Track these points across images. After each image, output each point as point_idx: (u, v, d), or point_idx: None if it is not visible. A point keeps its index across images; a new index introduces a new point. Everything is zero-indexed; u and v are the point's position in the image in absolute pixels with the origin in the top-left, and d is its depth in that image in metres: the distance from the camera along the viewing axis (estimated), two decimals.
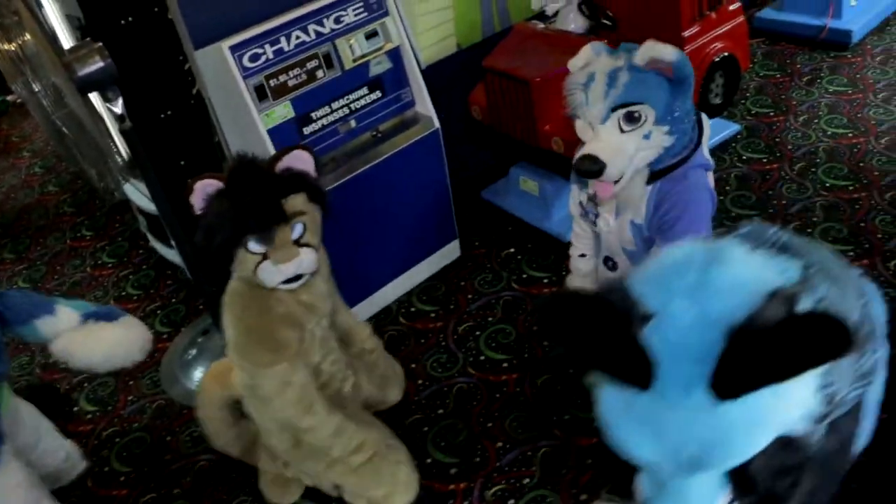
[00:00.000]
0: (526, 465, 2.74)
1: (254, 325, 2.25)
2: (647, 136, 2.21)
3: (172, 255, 3.63)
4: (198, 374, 3.28)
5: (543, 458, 2.76)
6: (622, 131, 2.21)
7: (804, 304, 1.40)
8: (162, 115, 3.02)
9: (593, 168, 2.23)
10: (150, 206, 3.45)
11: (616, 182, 2.29)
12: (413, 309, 3.53)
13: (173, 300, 3.86)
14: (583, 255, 2.77)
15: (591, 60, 2.28)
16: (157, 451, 3.08)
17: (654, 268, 1.51)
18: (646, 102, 2.17)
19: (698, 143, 2.36)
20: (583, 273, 2.80)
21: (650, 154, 2.26)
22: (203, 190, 2.10)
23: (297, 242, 2.16)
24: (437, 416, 2.98)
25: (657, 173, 2.32)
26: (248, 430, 2.68)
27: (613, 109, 2.19)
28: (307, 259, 2.17)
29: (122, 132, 2.71)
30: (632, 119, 2.19)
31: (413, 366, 3.22)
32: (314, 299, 2.33)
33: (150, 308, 3.84)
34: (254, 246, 2.11)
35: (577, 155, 2.28)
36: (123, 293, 3.99)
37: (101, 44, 2.52)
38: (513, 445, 2.82)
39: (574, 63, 2.32)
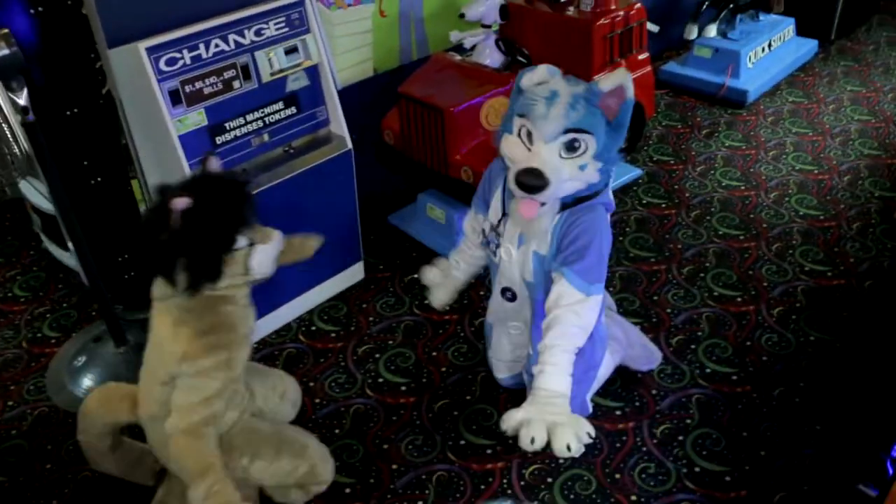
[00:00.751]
0: (420, 488, 2.75)
1: (222, 338, 2.25)
2: (582, 168, 2.25)
3: (67, 257, 3.50)
4: (87, 381, 3.15)
5: (438, 481, 2.77)
6: (560, 157, 2.24)
7: None
8: (68, 112, 2.94)
9: (537, 183, 2.23)
10: (46, 205, 3.33)
11: (543, 204, 2.32)
12: (314, 328, 3.50)
13: (64, 304, 3.71)
14: (457, 263, 2.90)
15: (546, 79, 2.32)
16: (35, 460, 2.93)
17: None
18: (593, 133, 2.22)
19: (606, 183, 2.45)
20: (442, 267, 2.95)
21: (577, 186, 2.31)
22: (179, 208, 2.05)
23: None
24: (334, 436, 2.95)
25: (568, 204, 2.39)
26: (132, 450, 2.62)
27: (566, 131, 2.22)
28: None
29: (24, 125, 2.61)
30: (572, 148, 2.23)
31: (311, 384, 3.18)
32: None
33: (39, 311, 3.67)
34: (240, 242, 2.18)
35: (518, 168, 2.27)
36: (9, 294, 3.80)
37: (7, 30, 2.44)
38: (408, 468, 2.82)
39: (531, 77, 2.34)
